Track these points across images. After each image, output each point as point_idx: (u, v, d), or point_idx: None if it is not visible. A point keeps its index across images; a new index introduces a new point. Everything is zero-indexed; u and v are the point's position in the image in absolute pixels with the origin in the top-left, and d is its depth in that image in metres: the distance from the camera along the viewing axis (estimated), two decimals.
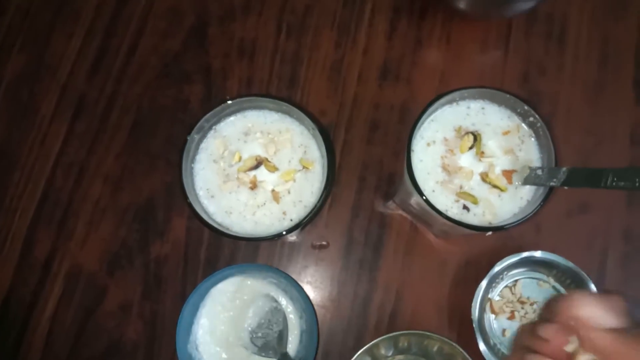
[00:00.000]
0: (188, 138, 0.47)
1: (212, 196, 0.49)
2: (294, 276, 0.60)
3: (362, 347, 0.54)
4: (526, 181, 0.49)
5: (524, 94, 0.65)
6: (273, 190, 0.49)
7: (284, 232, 0.46)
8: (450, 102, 0.51)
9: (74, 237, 0.61)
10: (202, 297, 0.55)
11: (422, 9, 0.67)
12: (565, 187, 0.46)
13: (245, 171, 0.49)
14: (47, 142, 0.63)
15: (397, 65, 0.65)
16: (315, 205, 0.46)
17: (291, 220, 0.48)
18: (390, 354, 0.58)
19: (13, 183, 0.62)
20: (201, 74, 0.65)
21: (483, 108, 0.51)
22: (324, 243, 0.61)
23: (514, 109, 0.50)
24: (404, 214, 0.62)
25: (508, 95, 0.49)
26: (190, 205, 0.46)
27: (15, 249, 0.60)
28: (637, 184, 0.40)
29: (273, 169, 0.49)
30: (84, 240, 0.61)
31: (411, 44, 0.66)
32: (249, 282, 0.56)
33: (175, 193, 0.61)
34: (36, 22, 0.67)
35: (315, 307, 0.59)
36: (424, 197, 0.47)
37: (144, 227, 0.61)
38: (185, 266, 0.60)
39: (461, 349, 0.55)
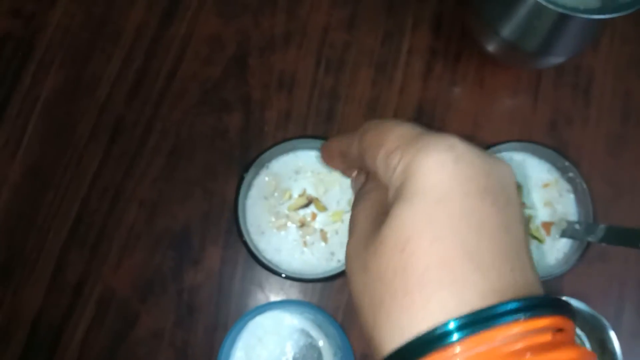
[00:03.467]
0: (245, 175, 0.48)
1: (262, 232, 0.50)
2: (327, 311, 0.60)
3: None
4: (564, 234, 0.51)
5: (551, 142, 0.67)
6: (322, 230, 0.50)
7: (336, 274, 0.47)
8: (495, 153, 0.53)
9: (107, 261, 0.60)
10: (240, 330, 0.56)
11: (457, 52, 0.69)
12: (603, 244, 0.48)
13: (295, 209, 0.50)
14: (83, 163, 0.63)
15: (432, 106, 0.67)
16: None
17: (339, 261, 0.49)
18: None
19: (47, 202, 0.61)
20: (240, 103, 0.66)
21: (525, 160, 0.53)
22: None
23: (553, 163, 0.53)
24: None
25: (550, 150, 0.52)
26: (245, 244, 0.47)
27: (46, 270, 0.60)
28: None
29: (322, 208, 0.50)
30: (117, 265, 0.60)
31: (446, 85, 0.68)
32: (285, 317, 0.57)
33: (211, 222, 0.62)
34: (76, 40, 0.67)
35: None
36: None
37: (178, 255, 0.61)
38: (218, 296, 0.60)
39: None
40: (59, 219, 0.61)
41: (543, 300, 0.23)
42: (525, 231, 0.26)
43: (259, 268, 0.61)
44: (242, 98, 0.66)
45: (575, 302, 0.60)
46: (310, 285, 0.61)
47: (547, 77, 0.70)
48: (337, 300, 0.61)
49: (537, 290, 0.25)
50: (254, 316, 0.56)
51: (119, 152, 0.64)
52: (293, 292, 0.61)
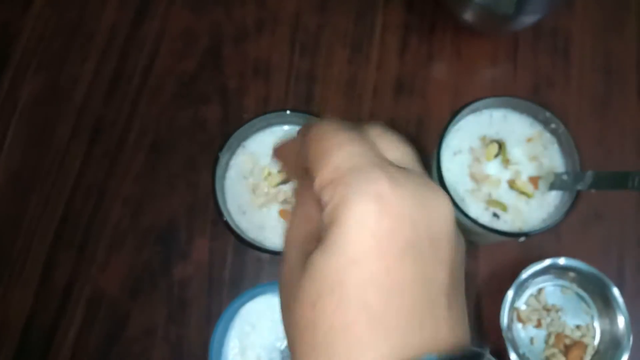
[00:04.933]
0: (219, 155, 0.47)
1: (244, 212, 0.49)
2: None
3: None
4: (552, 186, 0.50)
5: None
6: None
7: None
8: (473, 111, 0.52)
9: (95, 261, 0.59)
10: (232, 318, 0.54)
11: (431, 25, 0.69)
12: (592, 191, 0.47)
13: (275, 186, 0.49)
14: (65, 164, 0.62)
15: (411, 81, 0.67)
16: None
17: None
18: None
19: (31, 206, 0.61)
20: (217, 94, 0.65)
21: (505, 116, 0.53)
22: None
23: (535, 116, 0.52)
24: None
25: (529, 103, 0.51)
26: (226, 223, 0.46)
27: (34, 273, 0.59)
28: None
29: None
30: (105, 264, 0.59)
31: (423, 59, 0.68)
32: (278, 301, 0.55)
33: (196, 214, 0.61)
34: (51, 44, 0.67)
35: None
36: (456, 204, 0.47)
37: (166, 250, 0.60)
38: (209, 288, 0.59)
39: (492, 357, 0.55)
40: (44, 221, 0.61)
41: (446, 357, 0.23)
42: (456, 275, 0.26)
43: (248, 256, 0.60)
44: (219, 89, 0.66)
45: (575, 262, 0.58)
46: None
47: (525, 42, 0.69)
48: None
49: (454, 340, 0.24)
50: (244, 303, 0.54)
51: (100, 152, 0.63)
52: None
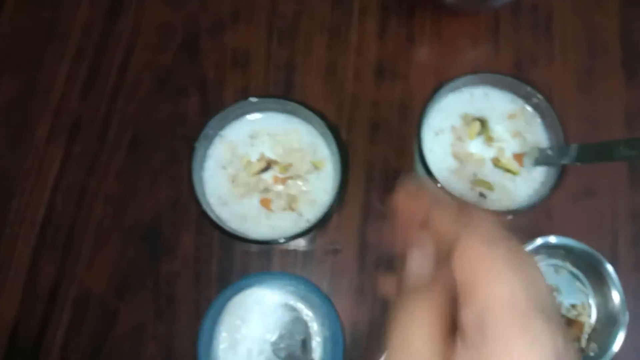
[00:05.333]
0: (195, 145, 0.46)
1: (225, 203, 0.48)
2: None
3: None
4: (537, 162, 0.49)
5: None
6: (286, 193, 0.48)
7: (303, 232, 0.45)
8: (453, 89, 0.51)
9: (80, 261, 0.58)
10: (220, 312, 0.54)
11: (410, 7, 0.68)
12: (578, 164, 0.46)
13: (254, 174, 0.48)
14: (44, 166, 0.61)
15: (391, 64, 0.66)
16: (333, 203, 0.46)
17: (308, 221, 0.47)
18: None
19: (12, 210, 0.60)
20: (196, 86, 0.64)
21: (487, 94, 0.52)
22: (337, 248, 0.59)
23: (516, 92, 0.51)
24: None
25: (509, 78, 0.50)
26: (204, 213, 0.45)
27: (19, 277, 0.58)
28: None
29: (283, 170, 0.48)
30: (90, 264, 0.59)
31: (403, 41, 0.67)
32: (266, 293, 0.55)
33: (181, 208, 0.60)
34: (26, 46, 0.66)
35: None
36: (440, 185, 0.46)
37: (151, 246, 0.59)
38: (197, 282, 0.58)
39: None
40: (26, 225, 0.60)
41: None
42: None
43: (235, 249, 0.60)
44: (197, 81, 0.65)
45: (567, 240, 0.58)
46: (291, 258, 0.59)
47: (505, 20, 0.68)
48: (320, 269, 0.59)
49: None
50: (232, 296, 0.54)
51: (80, 151, 0.62)
52: (274, 267, 0.59)
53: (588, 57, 0.67)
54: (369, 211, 0.61)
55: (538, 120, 0.51)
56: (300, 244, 0.59)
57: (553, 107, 0.49)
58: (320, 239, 0.60)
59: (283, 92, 0.64)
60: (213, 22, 0.67)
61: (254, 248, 0.59)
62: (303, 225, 0.47)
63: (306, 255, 0.59)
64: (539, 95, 0.50)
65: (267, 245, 0.45)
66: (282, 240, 0.44)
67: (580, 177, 0.63)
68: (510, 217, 0.47)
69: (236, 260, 0.59)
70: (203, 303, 0.57)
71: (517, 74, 0.66)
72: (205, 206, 0.45)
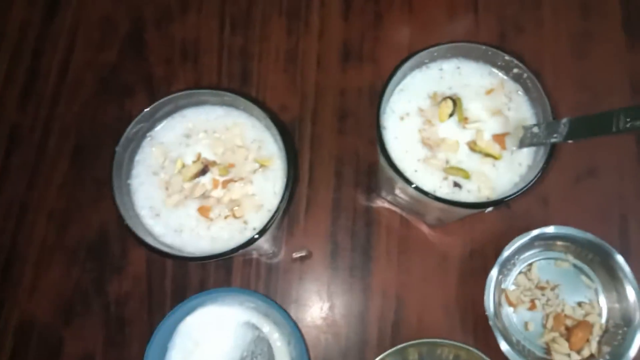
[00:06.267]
0: (117, 150, 0.40)
1: (157, 215, 0.41)
2: (276, 297, 0.52)
3: None
4: (522, 143, 0.42)
5: None
6: (228, 198, 0.41)
7: (246, 243, 0.38)
8: (419, 65, 0.44)
9: (22, 284, 0.53)
10: (170, 336, 0.47)
11: None
12: (570, 142, 0.38)
13: (190, 179, 0.41)
14: None
15: (358, 45, 0.59)
16: (279, 207, 0.39)
17: (254, 229, 0.40)
18: None
19: None
20: (143, 84, 0.58)
21: (458, 67, 0.44)
22: (305, 254, 0.53)
23: (493, 63, 0.43)
24: (392, 207, 0.54)
25: (484, 47, 0.42)
26: (128, 228, 0.38)
27: None
28: None
29: (224, 171, 0.42)
30: (33, 288, 0.53)
31: (370, 19, 0.59)
32: (223, 311, 0.48)
33: None
34: None
35: (306, 329, 0.51)
36: (406, 178, 0.39)
37: (98, 265, 0.53)
38: (150, 303, 0.52)
39: (480, 353, 0.47)
40: None
41: None
42: None
43: (190, 263, 0.53)
44: (144, 78, 0.59)
45: (567, 230, 0.50)
46: (254, 269, 0.53)
47: None
48: (288, 279, 0.52)
49: None
50: (182, 317, 0.47)
51: (18, 163, 0.56)
52: (234, 281, 0.52)
53: (583, 20, 0.59)
54: (340, 211, 0.54)
55: (521, 94, 0.43)
56: (264, 252, 0.52)
57: (538, 76, 0.41)
58: (286, 245, 0.53)
59: (239, 85, 0.58)
60: (160, 14, 0.61)
61: (212, 262, 0.53)
62: (249, 234, 0.40)
63: (270, 264, 0.53)
64: (521, 64, 0.42)
65: (206, 261, 0.39)
66: (223, 254, 0.38)
67: (580, 156, 0.55)
68: (490, 208, 0.39)
69: (192, 275, 0.52)
70: (157, 325, 0.51)
71: (503, 47, 0.59)
72: (129, 220, 0.39)
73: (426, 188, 0.40)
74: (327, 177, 0.55)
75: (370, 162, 0.55)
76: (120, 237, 0.54)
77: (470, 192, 0.41)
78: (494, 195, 0.41)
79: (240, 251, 0.40)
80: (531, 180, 0.39)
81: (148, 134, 0.43)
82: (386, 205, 0.54)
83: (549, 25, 0.59)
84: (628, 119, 0.34)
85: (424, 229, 0.53)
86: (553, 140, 0.39)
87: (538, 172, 0.39)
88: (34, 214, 0.55)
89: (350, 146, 0.56)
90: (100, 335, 0.51)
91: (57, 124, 0.57)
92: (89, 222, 0.54)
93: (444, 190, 0.41)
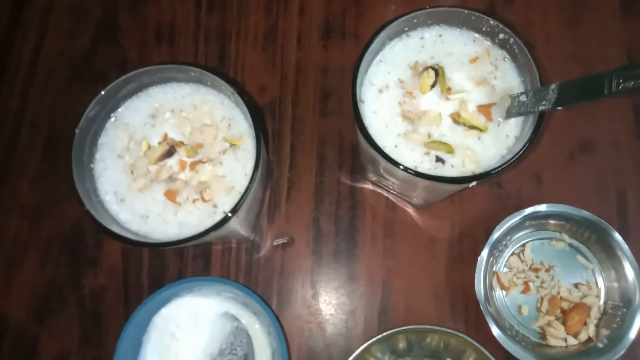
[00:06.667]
0: (76, 131, 0.38)
1: (122, 200, 0.39)
2: (257, 285, 0.49)
3: (350, 357, 0.44)
4: (509, 113, 0.39)
5: None
6: (197, 180, 0.39)
7: (214, 226, 0.35)
8: (398, 34, 0.41)
9: None
10: (144, 329, 0.45)
11: None
12: (559, 108, 0.36)
13: (156, 162, 0.39)
14: None
15: (340, 21, 0.56)
16: (248, 187, 0.36)
17: (224, 212, 0.38)
18: (387, 359, 0.47)
19: None
20: (117, 69, 0.56)
21: (440, 35, 0.41)
22: (287, 240, 0.50)
23: (478, 29, 0.41)
24: (377, 190, 0.51)
25: (466, 12, 0.40)
26: (89, 214, 0.36)
27: None
28: None
29: (192, 152, 0.39)
30: (6, 286, 0.51)
31: None
32: (201, 302, 0.46)
33: None
34: None
35: (289, 318, 0.48)
36: (384, 154, 0.36)
37: (73, 259, 0.51)
38: (126, 296, 0.50)
39: (471, 340, 0.44)
40: None
41: None
42: None
43: (168, 254, 0.51)
44: (119, 63, 0.56)
45: (562, 207, 0.47)
46: (233, 260, 0.50)
47: None
48: (267, 271, 0.50)
49: None
50: (156, 308, 0.45)
51: None
52: (213, 270, 0.50)
53: None
54: (323, 195, 0.51)
55: (507, 61, 0.40)
56: (242, 239, 0.50)
57: (524, 41, 0.39)
58: (268, 231, 0.51)
59: (216, 65, 0.55)
60: None
61: (189, 250, 0.51)
62: (219, 218, 0.37)
63: (251, 251, 0.50)
64: (507, 29, 0.39)
65: (175, 246, 0.36)
66: (189, 239, 0.35)
67: (574, 130, 0.52)
68: (473, 183, 0.37)
69: (169, 266, 0.50)
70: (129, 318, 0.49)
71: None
72: (91, 206, 0.36)
73: (407, 164, 0.37)
74: (309, 160, 0.52)
75: (354, 143, 0.53)
76: (95, 230, 0.51)
77: (454, 167, 0.38)
78: (479, 169, 0.38)
79: (213, 237, 0.38)
80: (518, 152, 0.37)
81: (112, 115, 0.40)
82: (371, 187, 0.51)
83: None
84: (620, 80, 0.32)
85: (411, 211, 0.51)
86: (542, 108, 0.36)
87: (525, 143, 0.37)
88: (4, 211, 0.53)
89: (333, 127, 0.53)
90: (75, 333, 0.49)
91: (28, 116, 0.55)
92: (62, 215, 0.52)
93: (425, 165, 0.39)
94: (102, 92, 0.39)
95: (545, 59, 0.54)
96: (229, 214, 0.36)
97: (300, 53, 0.55)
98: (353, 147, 0.53)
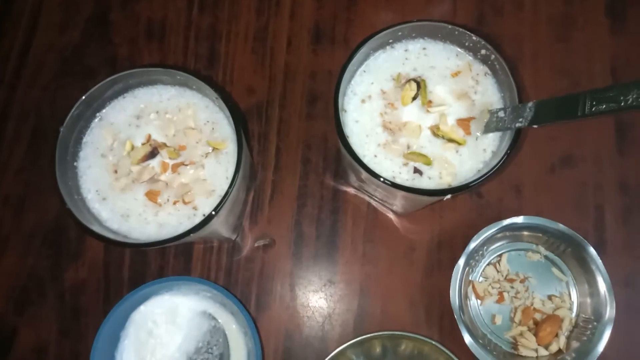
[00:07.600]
0: (61, 129, 0.38)
1: (104, 198, 0.39)
2: (237, 286, 0.50)
3: (325, 359, 0.45)
4: (488, 128, 0.40)
5: None
6: (178, 182, 0.39)
7: (193, 229, 0.36)
8: (383, 46, 0.42)
9: None
10: (122, 325, 0.46)
11: None
12: (535, 126, 0.36)
13: (139, 162, 0.39)
14: None
15: (330, 26, 0.56)
16: (227, 192, 0.37)
17: (204, 215, 0.38)
18: None
19: None
20: (106, 66, 0.56)
21: (424, 48, 0.42)
22: (268, 242, 0.51)
23: (461, 44, 0.41)
24: (359, 195, 0.52)
25: (450, 27, 0.40)
26: (69, 212, 0.36)
27: None
28: (622, 104, 0.31)
29: (174, 154, 0.40)
30: None
31: (344, 0, 0.57)
32: (179, 300, 0.46)
33: None
34: None
35: (267, 319, 0.49)
36: (362, 164, 0.37)
37: (54, 252, 0.51)
38: (106, 291, 0.50)
39: (443, 347, 0.45)
40: None
41: None
42: None
43: (150, 251, 0.51)
44: (108, 59, 0.56)
45: (538, 220, 0.48)
46: (214, 260, 0.51)
47: None
48: (247, 271, 0.50)
49: None
50: (135, 305, 0.46)
51: None
52: (194, 269, 0.51)
53: (564, 3, 0.57)
54: (306, 199, 0.52)
55: (488, 77, 0.41)
56: (224, 240, 0.50)
57: (505, 58, 0.39)
58: (249, 233, 0.51)
59: (205, 66, 0.56)
60: None
61: (171, 249, 0.51)
62: (198, 220, 0.38)
63: (232, 252, 0.51)
64: (489, 45, 0.40)
65: (154, 247, 0.37)
66: (166, 240, 0.36)
67: (556, 144, 0.53)
68: (448, 196, 0.37)
69: (151, 263, 0.51)
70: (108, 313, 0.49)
71: (482, 29, 0.57)
72: (73, 204, 0.37)
73: (385, 174, 0.38)
74: (294, 164, 0.53)
75: (338, 148, 0.53)
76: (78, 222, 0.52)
77: (432, 179, 0.39)
78: (456, 182, 0.39)
79: (193, 238, 0.38)
80: (494, 166, 0.37)
81: (97, 114, 0.41)
82: (353, 192, 0.52)
83: (529, 8, 0.57)
84: (594, 102, 0.33)
85: (392, 217, 0.51)
86: (518, 125, 0.37)
87: (502, 158, 0.37)
88: None
89: (319, 131, 0.54)
90: (54, 325, 0.50)
91: (15, 108, 0.55)
92: (46, 208, 0.53)
93: (403, 176, 0.39)
94: (88, 92, 0.39)
95: (532, 72, 0.55)
96: (208, 216, 0.36)
97: (290, 56, 0.56)
98: (337, 151, 0.53)
